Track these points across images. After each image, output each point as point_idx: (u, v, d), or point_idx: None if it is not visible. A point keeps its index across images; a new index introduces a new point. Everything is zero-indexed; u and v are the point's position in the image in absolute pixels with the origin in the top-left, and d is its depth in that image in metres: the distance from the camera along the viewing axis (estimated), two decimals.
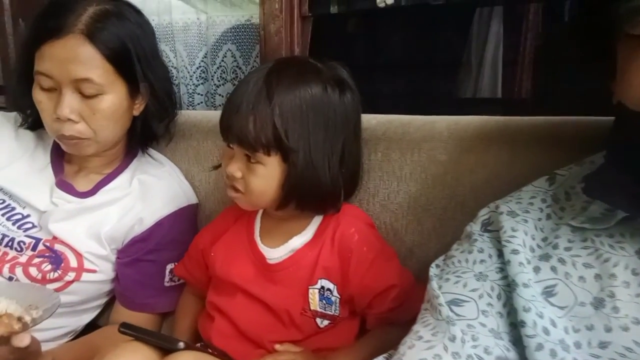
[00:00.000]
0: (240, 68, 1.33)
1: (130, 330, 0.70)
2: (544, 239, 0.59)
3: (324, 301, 0.80)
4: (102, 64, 0.87)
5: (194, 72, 1.37)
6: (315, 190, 0.77)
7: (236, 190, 0.79)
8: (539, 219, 0.60)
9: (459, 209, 0.82)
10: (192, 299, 1.00)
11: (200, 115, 1.14)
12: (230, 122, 0.75)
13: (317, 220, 0.84)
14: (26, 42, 0.90)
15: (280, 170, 0.76)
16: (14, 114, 1.05)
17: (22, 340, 0.67)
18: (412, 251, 0.87)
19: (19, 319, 0.69)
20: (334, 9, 1.09)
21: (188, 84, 1.38)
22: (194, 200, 1.07)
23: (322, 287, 0.80)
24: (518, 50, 1.88)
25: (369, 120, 0.90)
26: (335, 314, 0.81)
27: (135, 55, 0.91)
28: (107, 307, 1.05)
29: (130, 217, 0.97)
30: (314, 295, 0.80)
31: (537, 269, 0.56)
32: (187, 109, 1.40)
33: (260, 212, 0.90)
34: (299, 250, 0.82)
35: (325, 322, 0.81)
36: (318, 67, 0.78)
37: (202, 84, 1.38)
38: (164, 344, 0.69)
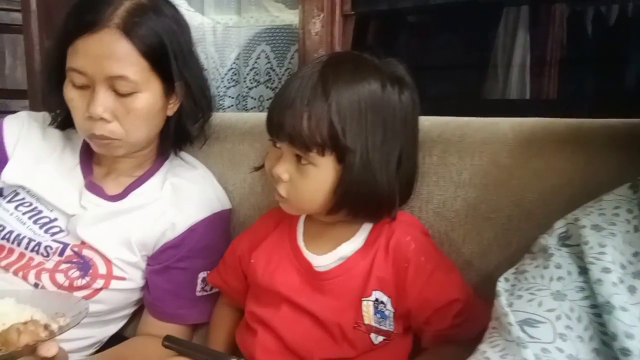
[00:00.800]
0: (274, 70, 1.28)
1: (174, 344, 0.63)
2: (635, 254, 0.53)
3: (379, 315, 0.74)
4: (137, 61, 0.82)
5: (225, 74, 1.32)
6: (370, 195, 0.71)
7: (279, 194, 0.74)
8: (627, 232, 0.54)
9: (524, 217, 0.76)
10: (227, 310, 0.94)
11: (235, 116, 1.09)
12: (282, 118, 0.70)
13: (367, 227, 0.78)
14: (59, 37, 0.86)
15: (333, 172, 0.71)
16: (41, 113, 1.01)
17: (49, 350, 0.62)
18: (470, 263, 0.80)
19: (45, 326, 0.64)
20: (378, 7, 1.04)
21: (219, 87, 1.33)
22: (227, 205, 1.01)
23: (377, 300, 0.74)
24: (546, 50, 1.85)
25: (422, 121, 0.84)
26: (390, 329, 0.74)
27: (171, 51, 0.86)
28: (134, 318, 1.00)
29: (162, 223, 0.92)
30: (368, 308, 0.73)
31: (632, 289, 0.50)
32: (217, 112, 1.35)
33: (303, 216, 0.84)
34: (350, 259, 0.76)
35: (380, 339, 0.74)
36: (375, 63, 0.74)
37: (233, 86, 1.33)
38: (210, 359, 0.62)
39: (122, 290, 0.91)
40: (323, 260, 0.77)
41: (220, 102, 1.35)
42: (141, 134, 0.88)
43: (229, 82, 1.34)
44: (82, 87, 0.83)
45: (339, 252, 0.77)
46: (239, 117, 1.08)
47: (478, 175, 0.79)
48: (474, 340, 0.73)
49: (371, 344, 0.74)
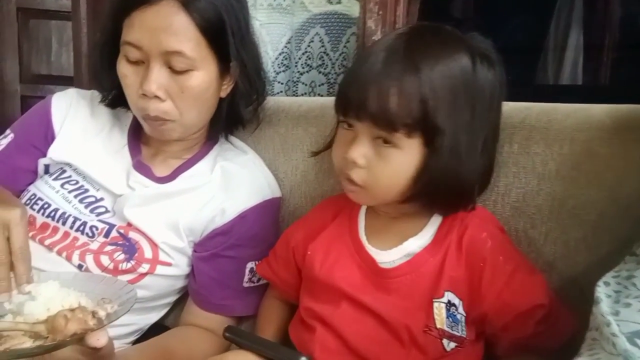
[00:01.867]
0: (327, 54, 1.22)
1: (237, 336, 0.57)
2: None
3: (450, 319, 0.66)
4: (195, 36, 0.78)
5: (276, 58, 1.27)
6: (455, 183, 0.64)
7: (353, 182, 0.67)
8: None
9: (621, 214, 0.67)
10: (276, 303, 0.88)
11: (288, 100, 1.03)
12: (363, 95, 0.63)
13: (436, 221, 0.71)
14: (114, 9, 0.82)
15: (418, 157, 0.64)
16: (90, 91, 0.99)
17: (98, 340, 0.57)
18: (552, 265, 0.72)
19: (93, 314, 0.59)
20: None
21: (268, 71, 1.28)
22: (277, 193, 0.96)
23: (449, 302, 0.66)
24: (600, 35, 1.77)
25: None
26: (463, 335, 0.67)
27: (229, 28, 0.82)
28: (175, 306, 0.96)
29: (211, 208, 0.88)
30: (440, 310, 0.66)
31: None
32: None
33: (364, 207, 0.77)
34: (418, 255, 0.69)
35: (452, 345, 0.67)
36: (462, 37, 0.67)
37: (283, 71, 1.28)
38: (278, 356, 0.55)
39: (167, 277, 0.87)
40: (388, 256, 0.71)
41: (270, 88, 1.29)
42: (195, 115, 0.84)
43: (279, 67, 1.28)
44: (136, 63, 0.80)
45: (405, 248, 0.70)
46: (292, 100, 1.03)
47: (567, 166, 0.70)
48: (556, 351, 0.66)
49: (443, 350, 0.66)
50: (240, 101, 0.90)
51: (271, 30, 1.27)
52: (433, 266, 0.68)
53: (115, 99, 0.91)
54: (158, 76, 0.78)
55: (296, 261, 0.80)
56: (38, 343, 0.55)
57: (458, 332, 0.66)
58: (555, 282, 0.71)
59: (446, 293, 0.66)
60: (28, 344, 0.55)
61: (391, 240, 0.71)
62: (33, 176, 0.92)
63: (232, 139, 0.99)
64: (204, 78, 0.81)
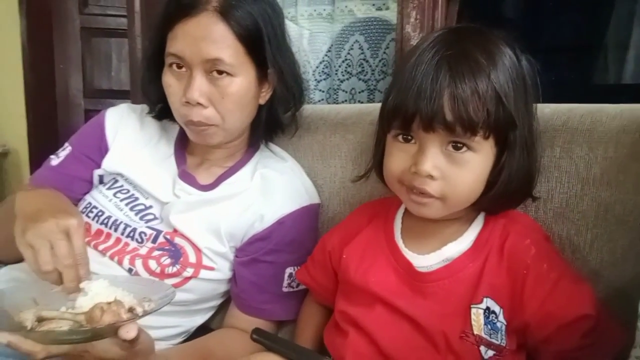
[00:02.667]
0: (367, 61, 1.22)
1: (264, 339, 0.58)
2: None
3: (489, 326, 0.64)
4: (233, 44, 0.82)
5: (317, 67, 1.29)
6: (526, 178, 0.66)
7: (427, 194, 0.64)
8: None
9: None
10: (315, 308, 0.89)
11: (327, 107, 1.05)
12: (436, 105, 0.60)
13: (477, 226, 0.70)
14: (159, 24, 0.87)
15: (492, 157, 0.64)
16: (141, 105, 1.04)
17: (128, 332, 0.61)
18: (598, 274, 0.69)
19: (130, 309, 0.65)
20: None
21: (309, 80, 1.30)
22: (316, 199, 0.97)
23: (487, 308, 0.65)
24: None
25: (541, 109, 0.73)
26: (502, 344, 0.64)
27: (266, 35, 0.85)
28: (221, 310, 0.99)
29: (250, 213, 0.90)
30: (478, 316, 0.64)
31: None
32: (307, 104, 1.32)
33: (402, 210, 0.77)
34: (457, 260, 0.68)
35: (490, 353, 0.65)
36: (496, 34, 0.67)
37: (324, 79, 1.29)
38: (302, 358, 0.56)
39: (210, 281, 0.90)
40: (425, 261, 0.70)
41: (311, 96, 1.31)
42: (236, 119, 0.87)
43: (320, 75, 1.30)
44: (179, 73, 0.84)
45: (444, 252, 0.69)
46: (330, 108, 1.04)
47: (612, 170, 0.67)
48: None
49: (480, 358, 0.65)
50: (278, 107, 0.93)
51: (312, 39, 1.29)
52: (472, 272, 0.66)
53: (162, 111, 0.96)
54: (200, 84, 0.82)
55: (332, 265, 0.81)
56: (73, 329, 0.61)
57: (497, 340, 0.64)
58: (602, 292, 0.67)
59: (485, 299, 0.65)
60: (65, 327, 0.61)
61: (429, 244, 0.71)
62: (89, 186, 0.98)
63: (272, 146, 1.01)
64: (242, 84, 0.84)
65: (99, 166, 0.97)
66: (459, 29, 0.69)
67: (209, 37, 0.80)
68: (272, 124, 0.95)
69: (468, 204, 0.66)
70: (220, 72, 0.82)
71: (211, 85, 0.83)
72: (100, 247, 0.89)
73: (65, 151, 0.98)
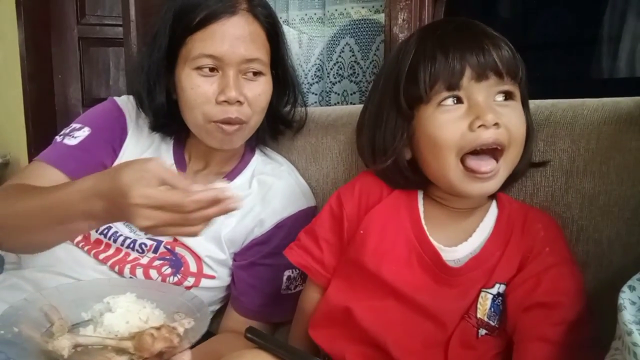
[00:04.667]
0: (358, 63, 1.24)
1: (257, 338, 0.59)
2: None
3: (493, 309, 0.65)
4: (265, 44, 0.85)
5: (309, 70, 1.30)
6: (532, 138, 0.70)
7: (500, 151, 0.64)
8: None
9: None
10: (317, 298, 0.79)
11: (318, 110, 1.06)
12: (484, 52, 0.63)
13: (492, 212, 0.70)
14: (171, 29, 0.83)
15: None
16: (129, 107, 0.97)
17: (182, 359, 0.59)
18: (585, 265, 0.69)
19: (172, 329, 0.61)
20: None
21: (303, 83, 1.31)
22: (312, 202, 0.97)
23: (497, 293, 0.65)
24: None
25: None
26: (496, 325, 0.64)
27: (282, 33, 0.88)
28: (219, 313, 0.98)
29: (250, 219, 0.90)
30: (485, 300, 0.64)
31: None
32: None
33: (421, 197, 0.73)
34: (484, 250, 0.67)
35: (483, 332, 0.65)
36: None
37: (316, 82, 1.31)
38: (293, 358, 0.57)
39: (210, 289, 0.90)
40: (455, 254, 0.67)
41: (304, 99, 1.32)
42: (260, 117, 0.88)
43: (312, 79, 1.31)
44: (208, 74, 0.82)
45: (471, 244, 0.68)
46: (322, 110, 1.05)
47: (595, 161, 0.68)
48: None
49: (475, 337, 0.64)
50: (279, 102, 0.94)
51: (304, 43, 1.31)
52: (496, 258, 0.66)
53: (162, 122, 0.91)
54: (238, 82, 0.82)
55: (347, 236, 0.73)
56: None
57: (493, 322, 0.64)
58: (590, 284, 0.68)
59: (497, 285, 0.65)
60: None
61: (455, 235, 0.69)
62: None
63: (268, 151, 1.01)
64: (270, 82, 0.86)
65: (116, 156, 0.91)
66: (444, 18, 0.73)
67: (249, 36, 0.81)
68: (274, 119, 0.96)
69: (517, 161, 0.67)
70: (254, 73, 0.83)
71: (245, 85, 0.83)
72: (101, 257, 0.87)
73: (82, 132, 0.90)
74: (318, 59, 1.30)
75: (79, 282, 0.75)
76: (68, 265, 0.87)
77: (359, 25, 1.22)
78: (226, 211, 0.56)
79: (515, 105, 0.65)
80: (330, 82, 1.28)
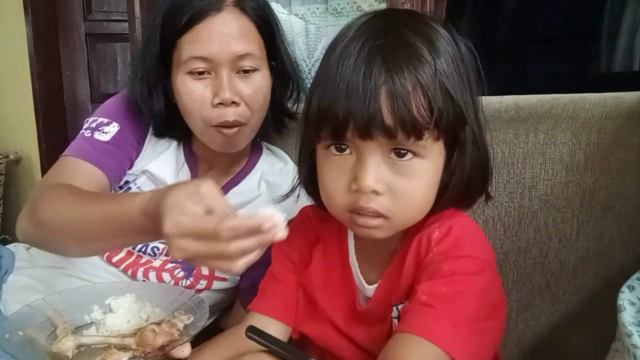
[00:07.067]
0: None
1: (257, 336, 0.59)
2: None
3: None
4: (256, 36, 0.81)
5: (312, 65, 1.30)
6: (483, 173, 0.58)
7: (374, 214, 0.54)
8: None
9: None
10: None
11: None
12: (372, 107, 0.50)
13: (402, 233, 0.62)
14: (161, 33, 0.81)
15: (442, 161, 0.55)
16: None
17: (182, 351, 0.60)
18: (586, 261, 0.68)
19: (172, 325, 0.63)
20: None
21: (306, 78, 1.31)
22: None
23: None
24: None
25: (528, 98, 0.74)
26: None
27: (275, 24, 0.85)
28: (227, 310, 0.98)
29: None
30: (395, 326, 0.60)
31: None
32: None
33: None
34: (388, 273, 0.61)
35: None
36: (427, 15, 0.65)
37: None
38: (290, 357, 0.57)
39: (222, 291, 0.91)
40: (371, 291, 0.63)
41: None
42: (261, 115, 0.86)
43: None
44: (202, 76, 0.80)
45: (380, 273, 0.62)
46: None
47: (596, 156, 0.67)
48: None
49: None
50: (282, 96, 0.92)
51: (309, 36, 1.30)
52: (397, 279, 0.60)
53: (163, 130, 0.90)
54: (230, 82, 0.79)
55: (302, 266, 0.70)
56: (132, 356, 0.58)
57: None
58: (590, 280, 0.68)
59: (394, 307, 0.60)
60: (125, 358, 0.58)
61: (377, 264, 0.63)
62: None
63: (274, 149, 1.00)
64: (266, 76, 0.83)
65: (137, 155, 0.89)
66: (388, 12, 0.60)
67: (237, 32, 0.78)
68: (278, 113, 0.94)
69: (422, 215, 0.57)
70: (247, 71, 0.80)
71: (240, 83, 0.81)
72: (114, 259, 0.87)
73: (111, 127, 0.87)
74: (321, 53, 1.29)
75: (81, 287, 0.76)
76: (80, 267, 0.88)
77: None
78: (267, 244, 0.49)
79: (416, 164, 0.53)
80: None
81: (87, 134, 0.85)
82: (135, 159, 0.89)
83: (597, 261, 0.68)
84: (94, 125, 0.87)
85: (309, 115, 0.55)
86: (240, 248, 0.48)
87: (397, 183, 0.53)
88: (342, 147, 0.54)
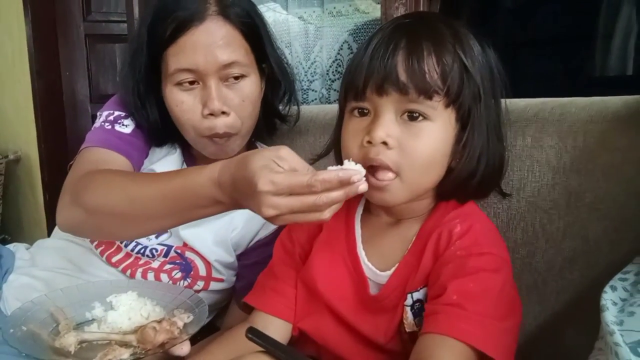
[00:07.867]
0: None
1: (257, 338, 0.60)
2: None
3: (418, 318, 0.63)
4: (242, 43, 0.81)
5: (309, 68, 1.31)
6: (493, 167, 0.62)
7: (383, 167, 0.58)
8: None
9: None
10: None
11: (316, 109, 1.07)
12: (389, 61, 0.56)
13: (419, 221, 0.67)
14: (148, 46, 0.82)
15: (453, 132, 0.60)
16: None
17: (182, 348, 0.61)
18: (572, 262, 0.70)
19: (172, 323, 0.64)
20: None
21: (302, 80, 1.33)
22: None
23: (415, 301, 0.63)
24: None
25: (516, 102, 0.76)
26: (418, 330, 0.62)
27: (262, 28, 0.85)
28: (223, 310, 1.00)
29: (255, 222, 0.91)
30: (406, 314, 0.63)
31: None
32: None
33: (360, 211, 0.71)
34: (404, 262, 0.65)
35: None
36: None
37: (316, 79, 1.32)
38: (287, 358, 0.58)
39: (219, 291, 0.92)
40: (384, 278, 0.66)
41: (304, 96, 1.34)
42: (252, 121, 0.86)
43: (312, 76, 1.32)
44: (191, 87, 0.80)
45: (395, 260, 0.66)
46: (319, 109, 1.06)
47: (582, 159, 0.68)
48: None
49: (403, 346, 0.65)
50: (274, 99, 0.93)
51: (310, 34, 1.32)
52: (414, 269, 0.63)
53: (161, 140, 0.91)
54: (219, 92, 0.79)
55: (301, 261, 0.74)
56: (133, 352, 0.60)
57: (418, 328, 0.62)
58: (576, 280, 0.69)
59: (409, 295, 0.63)
60: (126, 355, 0.60)
61: (390, 251, 0.66)
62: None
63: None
64: (255, 82, 0.83)
65: (146, 155, 0.90)
66: (417, 13, 0.69)
67: (222, 41, 0.78)
68: (270, 115, 0.95)
69: (429, 183, 0.61)
70: (236, 77, 0.80)
71: (229, 92, 0.81)
72: (113, 259, 0.89)
73: (129, 120, 0.89)
74: (318, 56, 1.31)
75: (82, 284, 0.78)
76: (80, 267, 0.89)
77: (357, 23, 1.23)
78: (353, 194, 0.51)
79: (426, 126, 0.58)
80: (330, 79, 1.30)
81: (107, 126, 0.87)
82: (146, 157, 0.91)
83: (583, 262, 0.69)
84: (111, 118, 0.88)
85: (342, 83, 0.64)
86: (330, 199, 0.51)
87: (406, 140, 0.58)
88: (364, 111, 0.61)
